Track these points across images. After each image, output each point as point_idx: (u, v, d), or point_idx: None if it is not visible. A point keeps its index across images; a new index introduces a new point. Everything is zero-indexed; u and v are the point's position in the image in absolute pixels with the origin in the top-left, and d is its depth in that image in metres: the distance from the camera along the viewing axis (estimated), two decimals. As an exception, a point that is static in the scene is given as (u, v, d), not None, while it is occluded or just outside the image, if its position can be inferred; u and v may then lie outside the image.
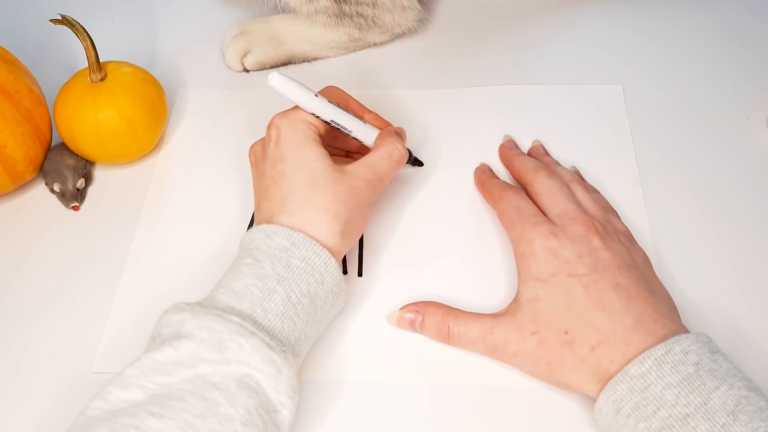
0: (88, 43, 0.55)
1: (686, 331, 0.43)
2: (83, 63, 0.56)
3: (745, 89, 0.62)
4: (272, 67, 0.66)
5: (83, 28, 0.55)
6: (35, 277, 0.53)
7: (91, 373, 0.48)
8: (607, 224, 0.49)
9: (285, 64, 0.66)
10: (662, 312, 0.43)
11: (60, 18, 0.54)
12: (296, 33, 0.65)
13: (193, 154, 0.60)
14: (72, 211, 0.56)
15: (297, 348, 0.43)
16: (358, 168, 0.48)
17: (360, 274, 0.52)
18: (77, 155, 0.57)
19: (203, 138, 0.61)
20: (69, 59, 0.66)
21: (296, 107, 0.49)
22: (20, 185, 0.57)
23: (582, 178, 0.55)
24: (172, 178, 0.59)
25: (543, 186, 0.51)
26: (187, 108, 0.64)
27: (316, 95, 0.49)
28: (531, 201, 0.51)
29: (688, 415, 0.38)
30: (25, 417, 0.46)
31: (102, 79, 0.56)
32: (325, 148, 0.51)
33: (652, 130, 0.60)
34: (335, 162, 0.49)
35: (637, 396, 0.40)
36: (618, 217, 0.52)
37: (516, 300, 0.46)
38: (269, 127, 0.49)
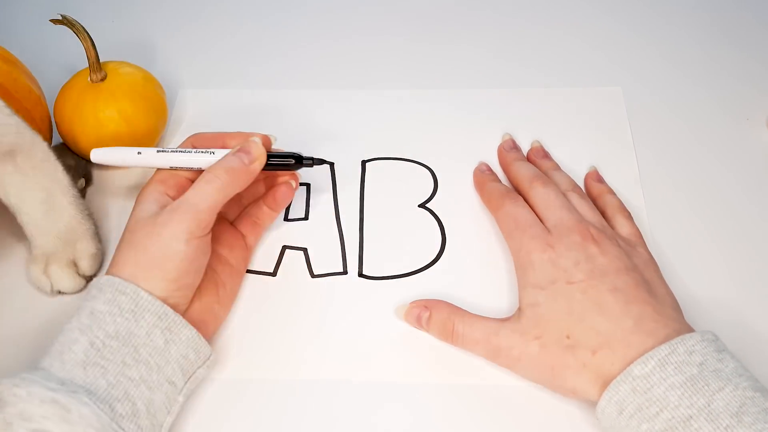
0: (89, 43, 0.55)
1: (691, 330, 0.43)
2: (83, 63, 0.56)
3: (745, 90, 0.62)
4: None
5: (83, 27, 0.55)
6: (35, 277, 0.53)
7: (91, 374, 0.48)
8: (604, 229, 0.49)
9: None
10: (663, 313, 0.43)
11: (60, 18, 0.54)
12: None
13: (193, 154, 0.60)
14: (72, 211, 0.56)
15: (114, 392, 0.40)
16: (173, 204, 0.46)
17: (360, 274, 0.52)
18: (77, 155, 0.57)
19: (203, 138, 0.61)
20: (69, 59, 0.66)
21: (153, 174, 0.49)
22: (20, 185, 0.57)
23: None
24: (173, 178, 0.59)
25: (538, 196, 0.51)
26: (187, 108, 0.64)
27: (138, 152, 0.49)
28: (529, 208, 0.51)
29: (691, 416, 0.38)
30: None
31: (102, 79, 0.56)
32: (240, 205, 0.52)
33: (652, 131, 0.60)
34: None
35: (640, 397, 0.40)
36: (627, 218, 0.52)
37: (518, 306, 0.47)
38: None
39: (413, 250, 0.53)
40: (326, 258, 0.53)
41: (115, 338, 0.41)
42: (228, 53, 0.68)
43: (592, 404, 0.43)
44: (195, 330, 0.44)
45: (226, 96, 0.64)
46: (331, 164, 0.58)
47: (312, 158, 0.51)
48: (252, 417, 0.46)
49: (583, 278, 0.45)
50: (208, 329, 0.47)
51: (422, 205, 0.56)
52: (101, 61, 0.56)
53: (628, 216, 0.52)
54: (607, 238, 0.47)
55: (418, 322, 0.48)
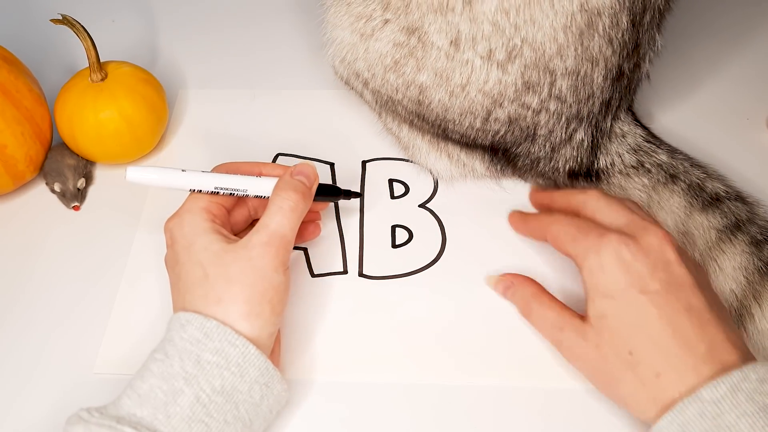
0: (89, 43, 0.55)
1: (754, 357, 0.41)
2: (84, 63, 0.56)
3: (745, 90, 0.62)
4: None
5: (84, 28, 0.55)
6: (35, 277, 0.53)
7: (91, 374, 0.48)
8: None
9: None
10: (732, 339, 0.41)
11: (60, 18, 0.54)
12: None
13: (193, 154, 0.60)
14: (72, 211, 0.56)
15: None
16: (251, 236, 0.44)
17: (360, 274, 0.52)
18: (78, 155, 0.57)
19: (203, 138, 0.61)
20: (69, 59, 0.66)
21: (186, 200, 0.46)
22: (21, 185, 0.57)
23: None
24: (173, 178, 0.59)
25: (601, 201, 0.47)
26: (187, 108, 0.64)
27: (183, 170, 0.46)
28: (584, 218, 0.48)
29: None
30: (25, 417, 0.46)
31: (102, 79, 0.56)
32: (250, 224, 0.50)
33: (651, 130, 0.60)
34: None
35: (707, 422, 0.38)
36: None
37: (586, 312, 0.44)
38: (164, 232, 0.46)
39: (413, 250, 0.53)
40: (326, 258, 0.53)
41: (221, 394, 0.40)
42: (228, 53, 0.68)
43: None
44: (286, 384, 0.43)
45: (226, 96, 0.64)
46: (332, 164, 0.58)
47: (349, 191, 0.52)
48: (252, 417, 0.46)
49: (658, 289, 0.42)
50: (276, 363, 0.46)
51: (422, 205, 0.56)
52: (102, 61, 0.56)
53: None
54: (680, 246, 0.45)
55: (504, 292, 0.50)
